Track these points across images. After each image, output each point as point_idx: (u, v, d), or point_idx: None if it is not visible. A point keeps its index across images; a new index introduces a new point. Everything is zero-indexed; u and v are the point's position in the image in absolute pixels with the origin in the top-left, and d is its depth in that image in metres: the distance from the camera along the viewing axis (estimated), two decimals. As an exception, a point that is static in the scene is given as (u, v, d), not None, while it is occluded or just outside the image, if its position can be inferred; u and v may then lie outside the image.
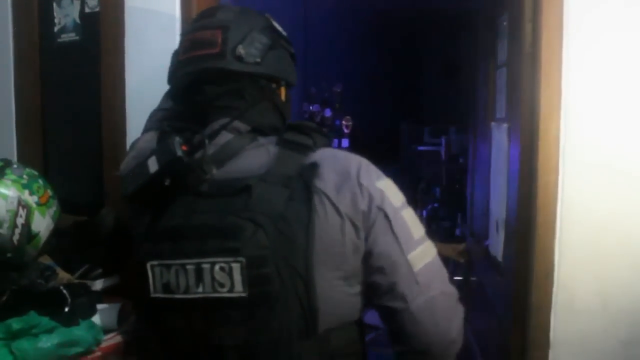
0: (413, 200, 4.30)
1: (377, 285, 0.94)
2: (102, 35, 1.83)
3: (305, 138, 0.97)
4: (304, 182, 0.91)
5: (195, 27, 1.04)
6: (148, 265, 0.93)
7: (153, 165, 0.93)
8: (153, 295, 0.94)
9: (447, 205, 4.40)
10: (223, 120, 0.99)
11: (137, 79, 1.76)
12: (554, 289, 1.27)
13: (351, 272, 0.93)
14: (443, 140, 4.61)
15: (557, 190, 1.28)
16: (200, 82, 1.01)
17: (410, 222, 0.96)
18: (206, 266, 0.89)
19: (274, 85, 1.04)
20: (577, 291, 1.27)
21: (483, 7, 2.43)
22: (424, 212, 4.26)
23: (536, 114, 1.29)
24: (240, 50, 0.98)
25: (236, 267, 0.87)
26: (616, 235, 1.24)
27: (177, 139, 0.94)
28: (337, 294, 0.92)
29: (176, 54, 1.06)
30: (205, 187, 0.94)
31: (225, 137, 0.99)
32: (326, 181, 0.92)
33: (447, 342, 0.94)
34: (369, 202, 0.92)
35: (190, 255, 0.90)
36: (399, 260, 0.92)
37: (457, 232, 4.15)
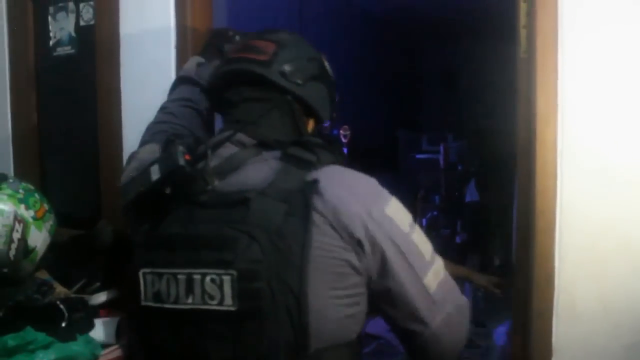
0: (412, 209, 4.29)
1: (397, 314, 0.94)
2: (97, 48, 1.84)
3: (308, 154, 0.96)
4: (304, 198, 0.90)
5: (254, 35, 1.08)
6: (140, 273, 0.92)
7: (155, 173, 0.93)
8: (143, 303, 0.93)
9: (447, 213, 4.40)
10: (228, 133, 1.00)
11: (133, 91, 1.76)
12: (555, 295, 1.26)
13: (349, 293, 0.91)
14: (441, 148, 4.61)
15: (556, 195, 1.27)
16: (238, 81, 1.03)
17: (421, 244, 0.96)
18: (197, 277, 0.88)
19: (304, 118, 1.07)
20: (578, 296, 1.26)
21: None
22: (424, 221, 4.25)
23: (533, 119, 1.29)
24: (286, 67, 1.01)
25: (227, 279, 0.86)
26: (616, 239, 1.23)
27: (181, 148, 0.93)
28: (332, 313, 0.90)
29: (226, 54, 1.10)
30: (206, 197, 0.93)
31: (229, 149, 0.99)
32: (327, 201, 0.90)
33: (459, 348, 0.99)
34: (376, 231, 0.91)
35: (183, 264, 0.89)
36: (417, 289, 0.93)
37: (458, 239, 4.14)
